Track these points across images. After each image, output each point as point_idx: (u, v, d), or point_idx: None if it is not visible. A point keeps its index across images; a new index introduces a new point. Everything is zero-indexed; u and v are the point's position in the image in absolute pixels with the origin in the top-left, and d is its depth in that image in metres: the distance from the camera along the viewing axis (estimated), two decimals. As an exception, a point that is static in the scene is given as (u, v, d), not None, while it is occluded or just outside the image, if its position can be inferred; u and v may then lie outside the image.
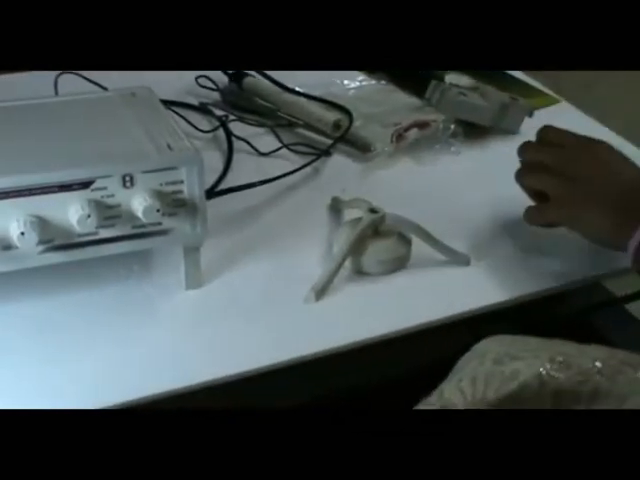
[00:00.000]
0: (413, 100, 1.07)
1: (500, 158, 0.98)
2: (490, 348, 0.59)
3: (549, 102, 1.13)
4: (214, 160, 0.94)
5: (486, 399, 0.54)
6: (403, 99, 1.08)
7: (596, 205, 0.73)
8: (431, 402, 0.56)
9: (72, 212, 0.65)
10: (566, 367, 0.57)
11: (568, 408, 0.55)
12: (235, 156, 0.95)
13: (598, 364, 0.58)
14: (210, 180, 0.88)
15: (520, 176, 0.81)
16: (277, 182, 0.89)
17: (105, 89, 0.95)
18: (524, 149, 0.82)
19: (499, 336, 0.61)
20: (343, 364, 0.70)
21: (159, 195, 0.68)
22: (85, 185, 0.65)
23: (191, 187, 0.69)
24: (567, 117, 1.09)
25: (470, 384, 0.56)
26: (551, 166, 0.77)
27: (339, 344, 0.70)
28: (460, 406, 0.55)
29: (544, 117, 1.06)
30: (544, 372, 0.56)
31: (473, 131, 1.02)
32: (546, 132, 0.82)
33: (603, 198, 0.73)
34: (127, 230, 0.68)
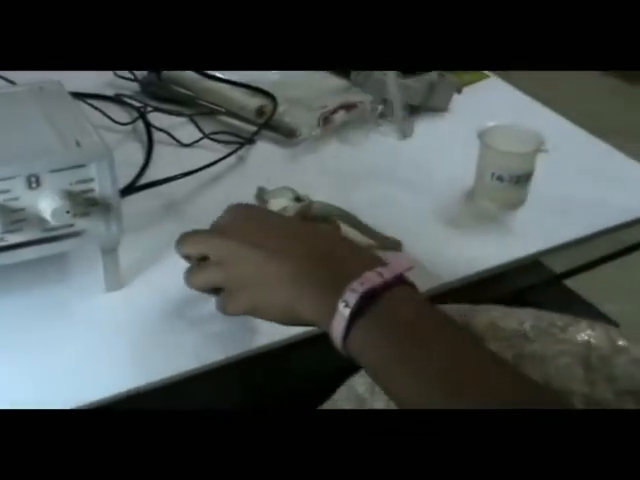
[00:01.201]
0: (339, 82, 1.04)
1: (430, 136, 0.97)
2: None
3: (478, 78, 1.10)
4: (134, 153, 0.90)
5: None
6: (328, 81, 1.05)
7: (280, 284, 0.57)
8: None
9: (-27, 218, 0.61)
10: (492, 330, 0.58)
11: None
12: (155, 148, 0.91)
13: (526, 326, 0.58)
14: (130, 175, 0.84)
15: (187, 280, 0.62)
16: (200, 174, 0.85)
17: (12, 83, 0.90)
18: (180, 244, 0.63)
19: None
20: (273, 363, 0.67)
21: (69, 195, 0.64)
22: (-14, 188, 0.61)
23: (103, 185, 0.65)
24: (497, 92, 1.07)
25: None
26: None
27: (269, 341, 0.67)
28: None
29: (473, 93, 1.05)
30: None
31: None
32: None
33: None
34: (36, 234, 0.64)
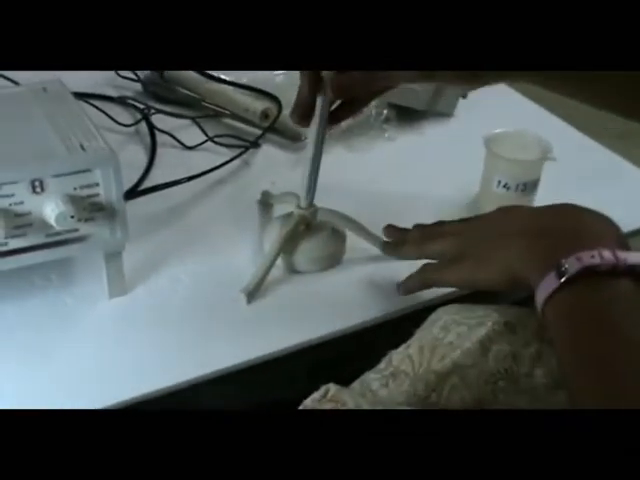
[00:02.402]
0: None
1: (436, 142, 0.96)
2: (440, 316, 0.60)
3: (483, 82, 1.10)
4: (137, 156, 0.90)
5: (431, 367, 0.56)
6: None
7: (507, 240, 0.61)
8: (380, 369, 0.59)
9: (-24, 222, 0.60)
10: (510, 331, 0.58)
11: (511, 370, 0.56)
12: (159, 151, 0.91)
13: None
14: (133, 178, 0.83)
15: (409, 249, 0.72)
16: (204, 177, 0.85)
17: (16, 83, 0.89)
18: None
19: (449, 305, 0.62)
20: (275, 372, 0.67)
21: (73, 200, 0.63)
22: (-10, 192, 0.61)
23: (108, 189, 0.64)
24: (502, 98, 1.06)
25: (418, 352, 0.58)
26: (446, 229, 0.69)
27: (273, 350, 0.66)
28: (410, 373, 0.57)
29: (479, 98, 1.04)
30: (487, 338, 0.57)
31: (407, 115, 0.99)
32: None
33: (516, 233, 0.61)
34: (40, 239, 0.64)
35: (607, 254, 0.53)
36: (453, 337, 0.58)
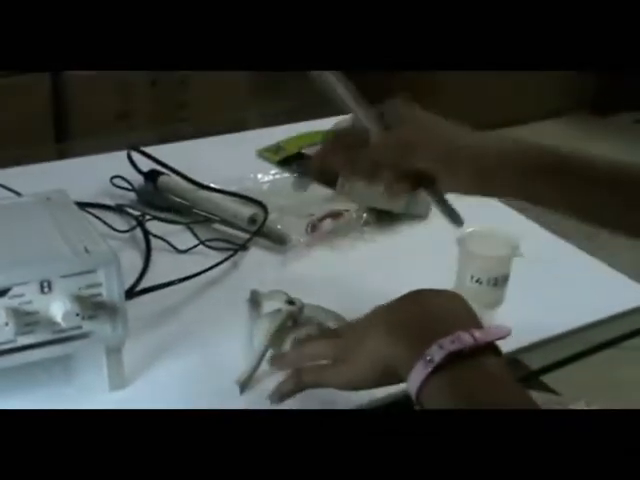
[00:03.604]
0: (326, 191, 1.10)
1: (412, 242, 1.03)
2: None
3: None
4: (133, 259, 0.95)
5: None
6: (316, 191, 1.11)
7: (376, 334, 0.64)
8: None
9: (-11, 321, 0.65)
10: None
11: None
12: (153, 254, 0.96)
13: None
14: (129, 280, 0.88)
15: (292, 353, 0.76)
16: (196, 279, 0.90)
17: (18, 194, 0.95)
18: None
19: None
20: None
21: (78, 299, 0.68)
22: (2, 293, 0.66)
23: (110, 289, 0.70)
24: (472, 199, 1.13)
25: None
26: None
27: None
28: None
29: (451, 200, 1.11)
30: None
31: (385, 218, 1.05)
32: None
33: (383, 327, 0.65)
34: (47, 336, 0.68)
35: (465, 337, 0.58)
36: None
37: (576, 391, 0.93)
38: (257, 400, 0.74)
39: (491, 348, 0.59)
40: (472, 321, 0.62)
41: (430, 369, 0.57)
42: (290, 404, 0.69)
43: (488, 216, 1.06)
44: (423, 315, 0.63)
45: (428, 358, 0.57)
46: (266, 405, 0.73)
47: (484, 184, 0.75)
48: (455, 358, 0.57)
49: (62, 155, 1.32)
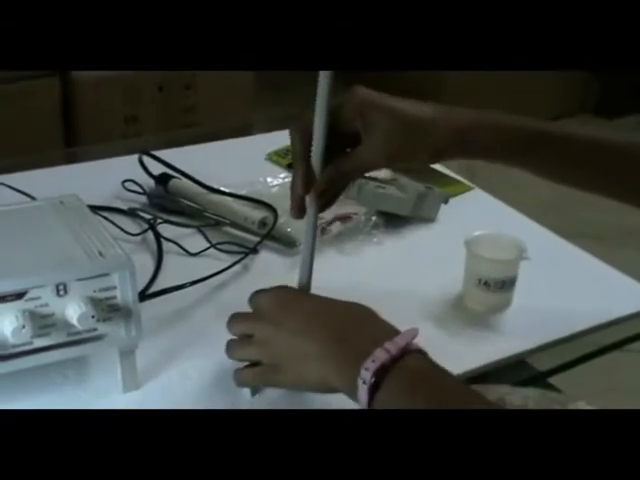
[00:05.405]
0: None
1: (420, 245, 1.04)
2: None
3: (463, 189, 1.18)
4: (145, 262, 0.96)
5: None
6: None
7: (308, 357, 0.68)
8: None
9: (6, 324, 0.66)
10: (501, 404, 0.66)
11: None
12: (165, 258, 0.97)
13: (530, 402, 0.65)
14: (142, 283, 0.90)
15: (228, 351, 0.75)
16: (207, 281, 0.91)
17: (33, 199, 0.96)
18: (229, 323, 0.76)
19: None
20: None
21: (93, 301, 0.69)
22: (19, 296, 0.67)
23: (124, 292, 0.71)
24: (481, 203, 1.15)
25: None
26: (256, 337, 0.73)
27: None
28: None
29: (459, 204, 1.12)
30: None
31: (393, 221, 1.06)
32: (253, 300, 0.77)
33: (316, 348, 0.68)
34: (62, 338, 0.70)
35: (381, 354, 0.62)
36: None
37: (582, 393, 0.94)
38: (267, 403, 0.75)
39: (411, 350, 0.63)
40: (382, 325, 0.68)
41: (367, 390, 0.61)
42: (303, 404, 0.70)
43: (495, 219, 1.08)
44: (340, 340, 0.67)
45: (361, 382, 0.62)
46: (277, 407, 0.74)
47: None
48: (384, 373, 0.61)
49: (72, 159, 1.33)
